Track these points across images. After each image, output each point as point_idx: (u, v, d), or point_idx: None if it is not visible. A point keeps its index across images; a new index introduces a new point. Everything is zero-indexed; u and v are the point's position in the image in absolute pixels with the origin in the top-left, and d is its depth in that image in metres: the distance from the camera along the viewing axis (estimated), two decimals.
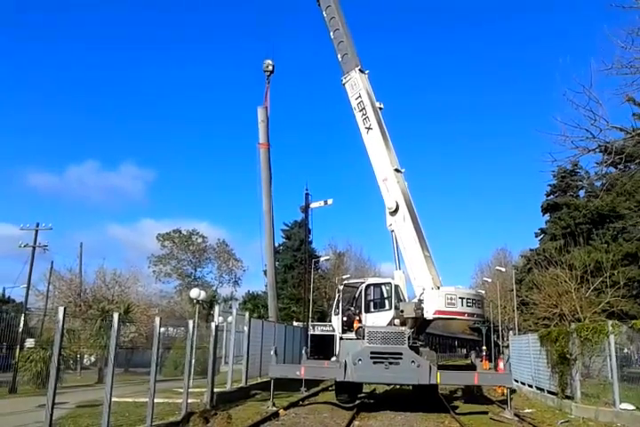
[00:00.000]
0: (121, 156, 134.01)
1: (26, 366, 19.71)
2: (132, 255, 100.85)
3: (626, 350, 16.58)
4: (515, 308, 44.25)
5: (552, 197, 45.57)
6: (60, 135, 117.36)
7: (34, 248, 30.71)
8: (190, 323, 14.30)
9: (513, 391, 19.36)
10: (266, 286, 54.10)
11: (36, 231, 31.29)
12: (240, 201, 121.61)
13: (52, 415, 8.70)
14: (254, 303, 52.32)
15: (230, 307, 52.19)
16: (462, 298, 18.28)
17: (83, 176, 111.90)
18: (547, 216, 46.57)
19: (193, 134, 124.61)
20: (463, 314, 18.56)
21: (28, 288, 30.46)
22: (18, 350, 19.60)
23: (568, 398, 17.22)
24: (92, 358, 29.41)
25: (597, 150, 14.88)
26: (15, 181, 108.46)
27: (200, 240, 71.90)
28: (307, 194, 35.93)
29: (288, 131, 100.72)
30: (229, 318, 20.76)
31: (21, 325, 20.80)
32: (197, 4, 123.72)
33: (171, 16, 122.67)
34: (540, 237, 47.38)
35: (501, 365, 18.88)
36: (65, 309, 9.28)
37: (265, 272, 56.18)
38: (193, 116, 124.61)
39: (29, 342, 20.96)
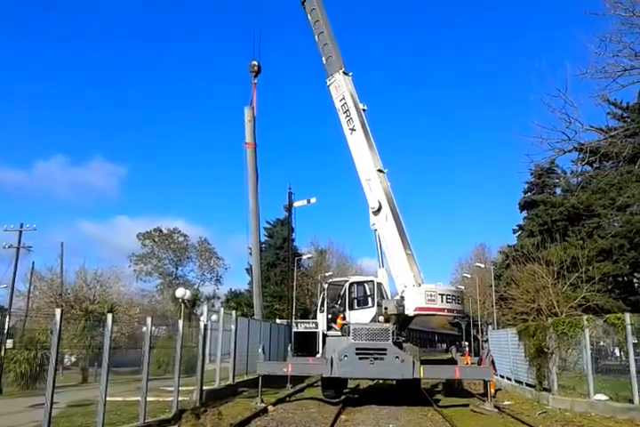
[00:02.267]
0: (90, 150, 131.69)
1: (10, 367, 19.70)
2: (106, 253, 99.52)
3: (602, 343, 17.22)
4: (494, 303, 45.12)
5: (529, 194, 46.51)
6: (24, 129, 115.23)
7: (18, 249, 30.49)
8: (180, 323, 14.57)
9: (498, 390, 20.09)
10: (249, 283, 54.51)
11: (20, 232, 31.08)
12: (218, 198, 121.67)
13: (50, 414, 8.93)
14: (237, 301, 52.58)
15: (213, 305, 52.38)
16: (442, 295, 18.81)
17: (51, 172, 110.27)
18: (524, 213, 47.54)
19: (167, 130, 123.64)
20: (443, 310, 19.09)
21: (12, 290, 30.26)
22: (3, 351, 19.58)
23: (545, 390, 17.87)
24: (73, 359, 29.27)
25: (573, 151, 15.50)
26: None
27: (181, 239, 71.82)
28: (290, 193, 36.28)
29: (272, 129, 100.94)
30: (213, 317, 21.01)
31: (6, 326, 20.77)
32: (185, 2, 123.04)
33: (158, 12, 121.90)
34: (517, 234, 48.34)
35: (487, 362, 19.35)
36: (62, 311, 9.52)
37: (248, 270, 56.61)
38: (168, 113, 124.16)
39: (9, 343, 20.92)
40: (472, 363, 24.39)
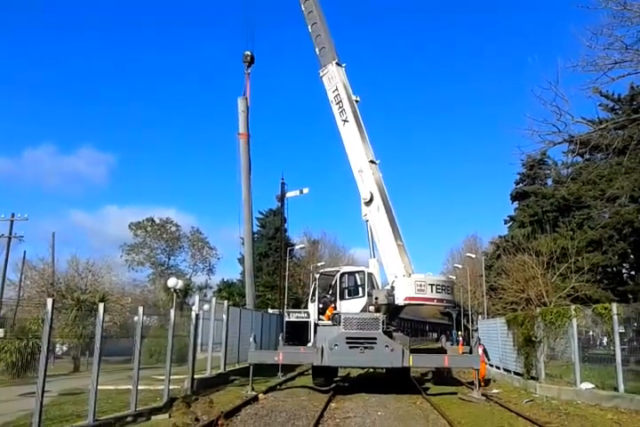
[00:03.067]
0: (79, 139, 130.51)
1: (1, 356, 19.76)
2: (97, 243, 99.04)
3: (591, 333, 17.44)
4: (484, 293, 45.51)
5: (521, 185, 46.72)
6: (11, 117, 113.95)
7: (9, 238, 30.36)
8: (172, 312, 14.66)
9: (489, 380, 20.27)
10: (241, 273, 54.59)
11: (12, 222, 30.94)
12: (209, 188, 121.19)
13: (41, 402, 9.01)
14: (229, 291, 52.67)
15: (206, 295, 52.47)
16: (432, 285, 18.99)
17: (40, 160, 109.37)
18: (515, 204, 47.81)
19: (158, 120, 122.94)
20: (432, 300, 19.28)
21: (3, 279, 30.17)
22: None
23: (533, 378, 18.14)
24: (65, 348, 29.35)
25: (563, 142, 15.60)
26: None
27: (174, 229, 71.70)
28: (282, 183, 36.26)
29: (265, 119, 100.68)
30: (205, 306, 21.08)
31: None
32: None
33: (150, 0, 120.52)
34: (508, 225, 48.62)
35: (480, 351, 19.58)
36: (54, 300, 9.57)
37: (240, 260, 56.69)
38: (160, 102, 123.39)
39: (0, 332, 20.96)
40: (465, 352, 24.68)
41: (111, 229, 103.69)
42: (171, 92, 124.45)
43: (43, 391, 9.05)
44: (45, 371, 9.24)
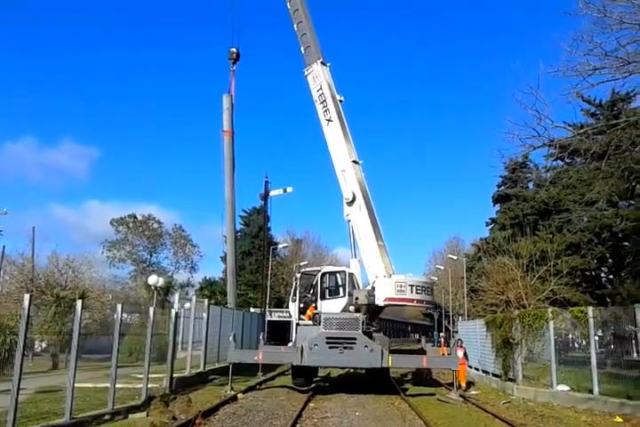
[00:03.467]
0: (60, 132, 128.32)
1: None
2: (78, 238, 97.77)
3: (570, 336, 17.66)
4: (465, 294, 45.86)
5: (503, 188, 47.14)
6: None
7: None
8: (151, 310, 14.59)
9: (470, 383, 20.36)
10: (223, 271, 54.41)
11: None
12: (192, 183, 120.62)
13: (17, 400, 8.93)
14: (211, 290, 52.40)
15: (187, 293, 52.25)
16: (412, 285, 19.10)
17: (20, 153, 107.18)
18: (497, 207, 48.23)
19: (141, 114, 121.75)
20: (412, 301, 19.37)
21: None
22: None
23: (511, 380, 18.34)
24: (43, 345, 29.05)
25: (543, 146, 15.77)
26: None
27: (156, 225, 71.21)
28: (266, 182, 36.25)
29: (250, 117, 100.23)
30: (186, 305, 21.03)
31: None
32: None
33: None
34: (490, 227, 49.04)
35: (460, 353, 19.54)
36: (31, 296, 9.50)
37: (222, 258, 56.48)
38: (143, 97, 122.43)
39: None
40: (448, 354, 24.79)
41: (92, 225, 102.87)
42: (155, 88, 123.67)
43: (18, 389, 8.98)
44: (21, 368, 9.17)
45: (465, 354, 20.62)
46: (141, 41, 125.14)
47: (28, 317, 9.41)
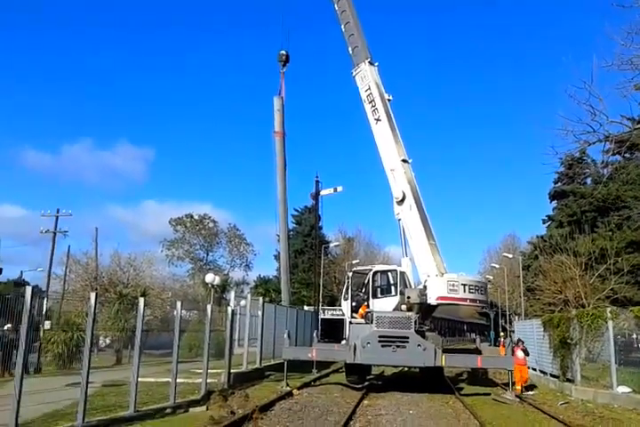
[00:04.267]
0: (115, 134, 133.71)
1: (48, 347, 20.65)
2: (135, 237, 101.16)
3: (635, 336, 17.10)
4: (522, 293, 44.87)
5: (559, 184, 45.80)
6: (49, 113, 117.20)
7: (55, 234, 31.58)
8: (209, 308, 15.07)
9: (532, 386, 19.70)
10: (277, 270, 55.18)
11: (57, 218, 32.17)
12: (244, 183, 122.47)
13: (86, 392, 9.51)
14: (265, 287, 53.28)
15: (242, 291, 53.28)
16: (465, 284, 18.93)
17: (78, 155, 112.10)
18: (554, 203, 46.90)
19: (194, 116, 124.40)
20: (465, 300, 19.20)
21: (49, 273, 31.43)
22: (42, 332, 20.52)
23: (569, 380, 17.94)
24: (107, 341, 30.34)
25: (598, 142, 15.37)
26: (9, 162, 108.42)
27: (211, 225, 72.88)
28: (317, 181, 36.44)
29: (300, 117, 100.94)
30: (242, 302, 21.55)
31: (44, 308, 21.69)
32: None
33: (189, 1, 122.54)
34: (547, 224, 47.74)
35: (520, 354, 18.59)
36: (97, 294, 10.06)
37: (276, 257, 57.28)
38: (196, 100, 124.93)
39: (46, 325, 21.85)
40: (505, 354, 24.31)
41: (150, 224, 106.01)
42: (208, 90, 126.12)
43: (87, 382, 9.55)
44: (89, 363, 9.75)
45: (526, 354, 19.16)
46: (196, 43, 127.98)
47: (95, 314, 9.99)
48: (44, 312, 21.87)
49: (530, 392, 18.37)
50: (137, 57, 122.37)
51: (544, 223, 48.59)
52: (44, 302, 22.07)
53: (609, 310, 16.75)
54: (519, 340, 19.18)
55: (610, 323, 15.89)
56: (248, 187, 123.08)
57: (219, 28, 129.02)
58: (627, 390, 15.08)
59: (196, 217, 72.22)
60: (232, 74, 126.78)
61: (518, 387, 17.74)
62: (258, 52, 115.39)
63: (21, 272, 50.41)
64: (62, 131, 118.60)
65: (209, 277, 27.23)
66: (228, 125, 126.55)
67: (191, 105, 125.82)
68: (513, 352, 18.27)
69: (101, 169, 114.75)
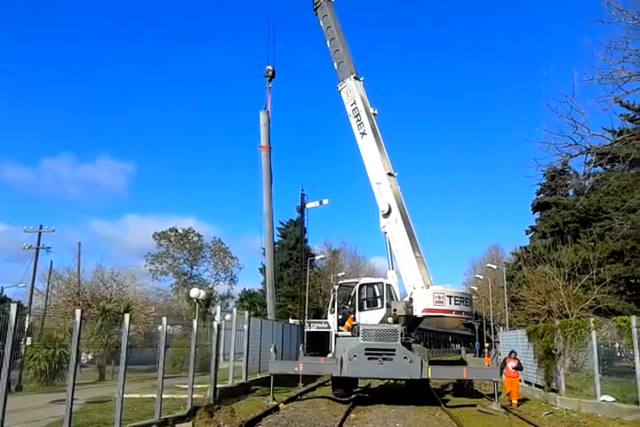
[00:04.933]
0: (95, 148, 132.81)
1: (29, 363, 20.34)
2: (117, 252, 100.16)
3: (617, 345, 17.30)
4: (506, 304, 45.14)
5: (542, 195, 46.32)
6: (28, 127, 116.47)
7: (37, 250, 31.25)
8: (194, 323, 15.03)
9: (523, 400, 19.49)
10: (262, 283, 54.93)
11: (40, 233, 31.87)
12: (228, 196, 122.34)
13: (71, 409, 9.42)
14: (251, 301, 53.00)
15: (227, 305, 52.96)
16: (450, 296, 19.07)
17: (58, 170, 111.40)
18: (537, 215, 47.41)
19: (176, 130, 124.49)
20: (451, 312, 19.31)
21: (32, 289, 31.05)
22: (24, 349, 20.21)
23: (553, 390, 18.10)
24: (90, 356, 29.95)
25: (580, 155, 15.67)
26: None
27: (196, 238, 72.55)
28: (302, 194, 36.64)
29: (285, 131, 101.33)
30: (227, 316, 21.46)
31: (26, 324, 21.35)
32: (202, 5, 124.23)
33: (172, 14, 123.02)
34: (530, 235, 48.21)
35: (510, 365, 17.85)
36: (82, 311, 10.00)
37: (261, 270, 57.06)
38: (178, 113, 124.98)
39: (28, 341, 21.54)
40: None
41: (132, 239, 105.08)
42: (192, 103, 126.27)
43: (72, 399, 9.46)
44: (74, 379, 9.66)
45: (518, 367, 18.07)
46: (181, 55, 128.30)
47: (80, 331, 9.91)
48: (25, 329, 21.54)
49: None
50: (120, 69, 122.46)
51: (527, 234, 49.09)
52: (27, 317, 21.74)
53: (592, 320, 16.97)
54: (512, 352, 18.74)
55: (593, 333, 16.09)
56: (232, 200, 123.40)
57: (205, 40, 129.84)
58: (610, 399, 15.24)
59: (181, 231, 71.91)
60: (216, 86, 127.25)
61: (515, 401, 17.40)
62: (243, 64, 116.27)
63: (2, 288, 49.78)
64: (41, 144, 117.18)
65: (194, 292, 27.08)
66: (210, 139, 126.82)
67: (174, 118, 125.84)
68: (505, 364, 18.03)
69: (82, 183, 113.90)
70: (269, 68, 29.20)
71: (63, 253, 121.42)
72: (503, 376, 17.71)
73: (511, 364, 17.96)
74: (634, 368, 14.52)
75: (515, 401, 17.43)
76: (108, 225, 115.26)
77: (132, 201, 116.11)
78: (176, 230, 71.71)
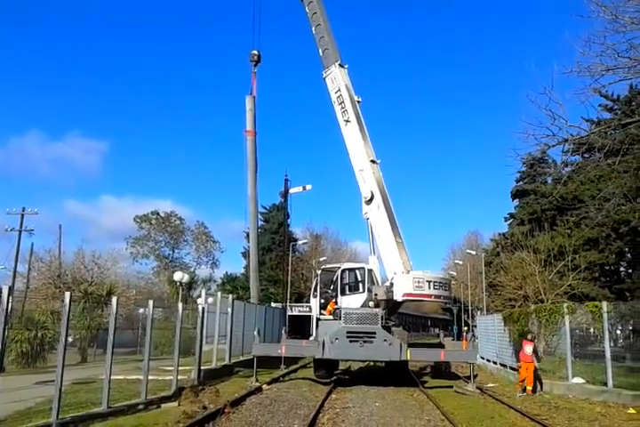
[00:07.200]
0: (66, 125, 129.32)
1: (11, 346, 20.40)
2: (94, 233, 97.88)
3: (592, 330, 17.90)
4: (484, 289, 46.06)
5: (521, 183, 47.05)
6: None
7: (20, 232, 31.05)
8: (180, 306, 15.27)
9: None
10: (244, 267, 55.24)
11: (22, 216, 31.63)
12: (206, 180, 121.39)
13: (61, 389, 9.66)
14: (233, 285, 53.34)
15: (209, 288, 53.14)
16: (430, 281, 19.56)
17: (29, 149, 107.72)
18: (516, 202, 48.19)
19: (157, 111, 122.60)
20: (430, 296, 19.83)
21: (14, 271, 30.92)
22: (7, 331, 20.23)
23: None
24: (70, 339, 29.94)
25: (558, 145, 16.05)
26: None
27: (178, 222, 72.36)
28: (286, 180, 36.80)
29: (270, 116, 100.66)
30: (210, 300, 21.72)
31: (9, 307, 21.34)
32: None
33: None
34: (508, 222, 49.04)
35: (529, 349, 16.41)
36: (71, 294, 10.22)
37: (243, 254, 57.33)
38: (161, 95, 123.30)
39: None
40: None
41: (108, 220, 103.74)
42: (175, 89, 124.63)
43: (62, 379, 9.70)
44: (64, 360, 9.90)
45: (535, 351, 16.69)
46: (165, 37, 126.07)
47: (69, 313, 10.13)
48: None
49: (491, 384, 19.07)
50: (101, 50, 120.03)
51: (506, 221, 49.93)
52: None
53: (565, 305, 17.56)
54: (529, 332, 17.22)
55: (566, 318, 16.67)
56: (210, 183, 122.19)
57: (189, 22, 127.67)
58: (581, 381, 15.89)
59: (162, 214, 71.63)
60: (195, 69, 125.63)
61: (529, 387, 16.19)
62: (228, 48, 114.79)
63: None
64: (9, 123, 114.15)
65: (177, 275, 27.25)
66: (189, 120, 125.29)
67: (155, 100, 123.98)
68: (521, 347, 16.79)
69: (53, 162, 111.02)
70: (255, 52, 29.06)
71: (39, 234, 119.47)
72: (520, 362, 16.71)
73: (528, 347, 16.48)
74: (604, 352, 15.17)
75: (529, 387, 16.20)
76: (84, 206, 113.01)
77: (107, 182, 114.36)
78: (157, 213, 71.42)
